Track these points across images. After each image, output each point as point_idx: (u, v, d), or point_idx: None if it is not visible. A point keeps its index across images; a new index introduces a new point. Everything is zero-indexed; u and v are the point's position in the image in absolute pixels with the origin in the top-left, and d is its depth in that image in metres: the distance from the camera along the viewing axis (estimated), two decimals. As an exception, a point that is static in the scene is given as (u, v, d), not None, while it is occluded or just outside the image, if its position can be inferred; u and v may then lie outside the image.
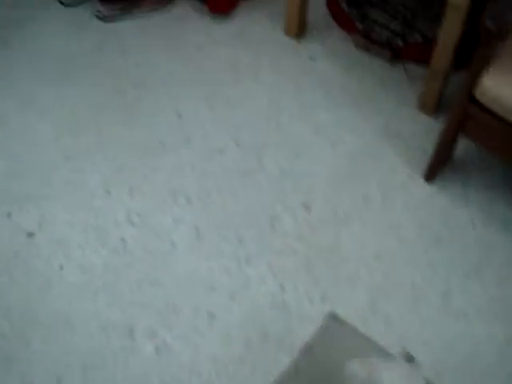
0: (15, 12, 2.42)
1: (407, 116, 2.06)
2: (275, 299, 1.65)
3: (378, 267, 1.72)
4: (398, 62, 2.21)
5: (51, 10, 2.42)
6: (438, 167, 1.90)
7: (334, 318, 1.44)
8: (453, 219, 1.81)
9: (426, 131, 2.01)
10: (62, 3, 2.42)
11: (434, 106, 2.04)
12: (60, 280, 1.71)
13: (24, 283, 1.69)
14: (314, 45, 2.26)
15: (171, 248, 1.75)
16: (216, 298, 1.66)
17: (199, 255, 1.74)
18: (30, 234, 1.80)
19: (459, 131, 1.73)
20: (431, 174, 1.91)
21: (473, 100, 1.61)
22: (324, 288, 1.68)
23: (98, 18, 2.35)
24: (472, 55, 1.57)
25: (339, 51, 2.25)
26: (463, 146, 1.93)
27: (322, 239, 1.77)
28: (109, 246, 1.76)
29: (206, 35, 2.31)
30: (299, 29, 2.24)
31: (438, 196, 1.86)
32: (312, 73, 2.17)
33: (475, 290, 1.68)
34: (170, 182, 1.88)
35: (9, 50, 2.29)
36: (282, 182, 1.88)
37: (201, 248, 1.75)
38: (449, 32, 1.79)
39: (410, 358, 1.15)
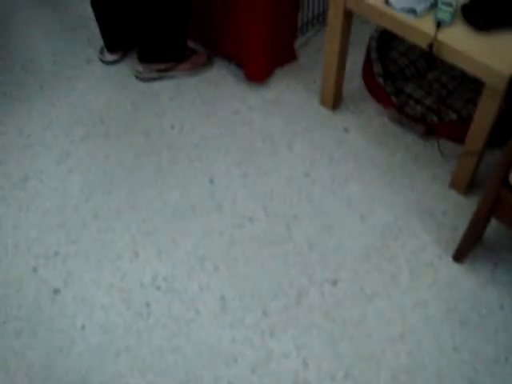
0: (57, 68, 2.53)
1: (439, 193, 2.08)
2: (298, 377, 1.66)
3: (402, 347, 1.73)
4: (432, 138, 2.23)
5: (92, 67, 2.53)
6: (468, 248, 1.91)
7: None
8: (481, 301, 1.82)
9: (457, 209, 2.03)
10: (102, 61, 2.51)
11: (466, 184, 2.07)
12: (82, 340, 1.74)
13: (46, 340, 1.73)
14: (348, 116, 2.31)
15: (195, 315, 1.78)
16: (237, 370, 1.67)
17: (223, 324, 1.76)
18: (56, 291, 1.84)
19: (491, 214, 1.76)
20: (460, 255, 1.93)
21: (506, 183, 1.64)
22: (347, 365, 1.69)
23: (137, 77, 2.43)
24: (508, 135, 1.61)
25: (373, 124, 2.29)
26: (494, 227, 1.94)
27: (348, 315, 1.78)
28: (133, 309, 1.79)
29: (242, 101, 2.37)
30: (334, 100, 2.30)
31: (467, 276, 1.88)
32: (345, 144, 2.22)
33: (504, 377, 1.67)
34: (199, 248, 1.92)
35: (49, 105, 2.39)
36: (310, 255, 1.91)
37: (225, 317, 1.77)
38: (485, 113, 1.83)
39: None
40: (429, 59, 1.80)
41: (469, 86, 2.28)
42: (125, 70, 2.52)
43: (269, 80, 2.45)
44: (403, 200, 2.06)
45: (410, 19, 1.82)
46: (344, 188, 2.09)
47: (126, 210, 2.02)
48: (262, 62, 2.36)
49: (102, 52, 2.52)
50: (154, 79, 2.44)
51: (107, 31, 2.43)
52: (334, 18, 2.03)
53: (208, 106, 2.36)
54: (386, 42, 2.43)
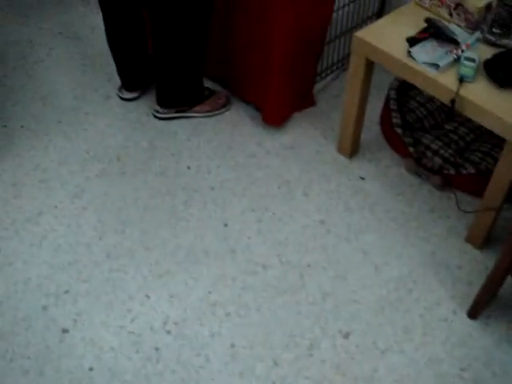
0: (75, 103, 2.59)
1: (455, 246, 2.09)
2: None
3: (414, 405, 1.72)
4: (449, 190, 2.24)
5: (110, 103, 2.58)
6: (483, 305, 1.91)
7: None
8: (495, 360, 1.81)
9: (473, 264, 2.04)
10: (121, 98, 2.54)
11: (482, 239, 2.08)
12: (89, 382, 1.74)
13: (53, 380, 1.74)
14: (365, 164, 2.33)
15: (205, 362, 1.78)
16: (246, 421, 1.67)
17: (233, 373, 1.76)
18: (65, 331, 1.84)
19: (508, 272, 1.76)
20: (475, 312, 1.92)
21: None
22: (357, 422, 1.68)
23: (155, 116, 2.46)
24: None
25: (390, 173, 2.31)
26: (510, 283, 1.94)
27: (359, 370, 1.78)
28: (142, 353, 1.79)
29: (259, 144, 2.40)
30: (352, 148, 2.32)
31: (481, 334, 1.87)
32: (361, 193, 2.23)
33: None
34: (211, 293, 1.93)
35: (66, 140, 2.43)
36: (323, 305, 1.91)
37: (235, 366, 1.77)
38: (506, 170, 1.84)
39: None
40: (450, 113, 1.82)
41: (486, 138, 2.30)
42: (143, 108, 2.56)
43: (286, 124, 2.48)
44: (419, 252, 2.06)
45: (432, 73, 1.84)
46: (359, 238, 2.10)
47: (139, 250, 2.03)
48: (280, 106, 2.39)
49: (120, 89, 2.55)
50: (173, 118, 2.46)
51: (124, 70, 2.50)
52: (356, 68, 2.05)
53: (225, 148, 2.38)
54: (405, 91, 2.46)
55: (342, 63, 2.73)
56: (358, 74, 2.06)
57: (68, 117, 2.53)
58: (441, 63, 1.84)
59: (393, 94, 2.38)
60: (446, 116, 2.47)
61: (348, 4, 2.47)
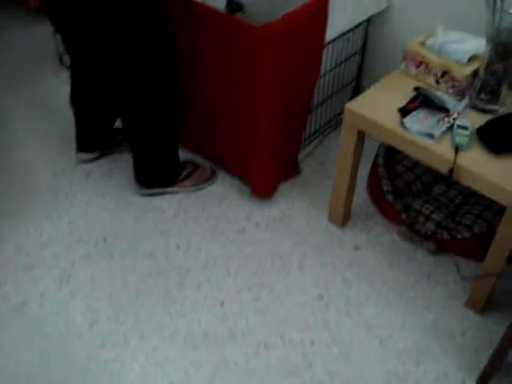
0: (55, 182, 2.57)
1: (456, 312, 2.08)
2: None
3: None
4: (444, 255, 2.24)
5: (91, 180, 2.58)
6: (492, 373, 1.89)
7: None
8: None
9: (476, 330, 2.05)
10: (81, 161, 2.58)
11: (483, 304, 2.07)
12: None
13: None
14: (357, 233, 2.33)
15: None
16: None
17: None
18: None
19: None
20: (484, 381, 1.90)
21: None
22: None
23: (141, 194, 2.43)
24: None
25: (383, 241, 2.31)
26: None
27: None
28: None
29: (248, 218, 2.38)
30: (343, 217, 2.32)
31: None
32: (357, 263, 2.22)
33: None
34: (213, 380, 1.87)
35: (48, 221, 2.40)
36: (330, 385, 1.87)
37: None
38: (506, 237, 1.85)
39: None
40: (448, 182, 1.83)
41: (475, 200, 2.32)
42: (125, 184, 2.54)
43: (274, 195, 2.46)
44: (421, 322, 2.05)
45: (427, 143, 1.86)
46: (360, 311, 2.08)
47: (135, 337, 1.97)
48: (268, 178, 2.39)
49: (78, 151, 2.60)
50: (156, 194, 2.43)
51: (85, 132, 2.52)
52: (347, 140, 2.07)
53: (213, 224, 2.35)
54: (391, 155, 2.48)
55: (324, 129, 2.74)
56: (349, 146, 2.07)
57: (48, 197, 2.49)
58: (435, 133, 1.86)
59: (380, 160, 2.40)
60: (434, 179, 2.49)
61: (329, 71, 2.49)
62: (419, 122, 1.92)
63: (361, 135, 2.05)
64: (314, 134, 2.69)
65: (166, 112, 2.25)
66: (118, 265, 2.20)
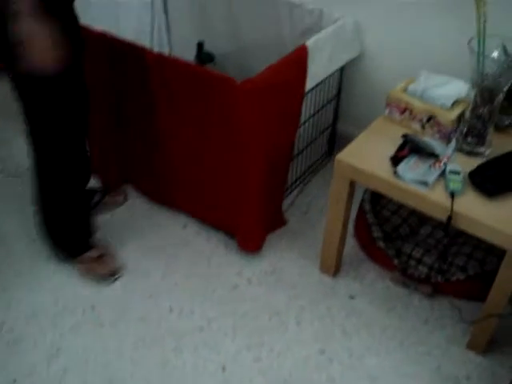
0: (34, 247, 2.50)
1: (458, 356, 2.09)
2: None
3: None
4: (439, 298, 2.26)
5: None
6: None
7: None
8: None
9: (480, 371, 2.06)
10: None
11: (485, 344, 2.08)
12: None
13: None
14: (351, 282, 2.33)
15: None
16: None
17: None
18: None
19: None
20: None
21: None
22: None
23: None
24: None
25: (377, 288, 2.32)
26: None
27: None
28: None
29: (239, 274, 2.36)
30: (336, 268, 2.32)
31: None
32: (354, 313, 2.22)
33: None
34: None
35: (30, 291, 2.33)
36: None
37: None
38: (508, 279, 1.87)
39: None
40: (447, 230, 1.85)
41: (465, 239, 2.34)
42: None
43: (262, 248, 2.44)
44: (424, 369, 2.06)
45: (421, 191, 1.87)
46: (363, 363, 2.07)
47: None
48: (255, 232, 2.38)
49: None
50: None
51: None
52: (339, 191, 2.08)
53: (204, 283, 2.33)
54: (377, 200, 2.50)
55: (304, 177, 2.76)
56: (341, 197, 2.08)
57: (28, 265, 2.42)
58: (429, 180, 1.88)
59: (368, 207, 2.41)
60: (419, 220, 2.51)
61: (308, 120, 2.51)
62: (411, 169, 1.93)
63: (352, 185, 2.06)
64: (295, 182, 2.69)
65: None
66: (109, 333, 2.15)
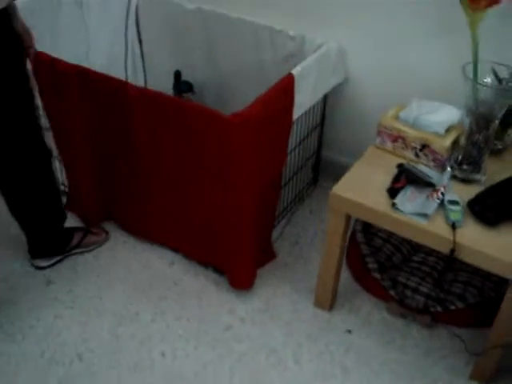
0: (12, 295, 2.42)
1: (463, 389, 2.06)
2: None
3: None
4: (438, 327, 2.24)
5: (53, 289, 2.46)
6: None
7: None
8: None
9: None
10: (35, 267, 2.48)
11: (489, 375, 2.06)
12: None
13: None
14: (347, 315, 2.31)
15: None
16: None
17: None
18: None
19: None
20: None
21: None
22: None
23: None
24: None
25: (374, 320, 2.30)
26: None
27: None
28: None
29: (231, 313, 2.31)
30: (331, 302, 2.28)
31: None
32: (353, 348, 2.18)
33: None
34: None
35: (13, 343, 2.26)
36: None
37: None
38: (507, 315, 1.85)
39: None
40: (450, 262, 1.83)
41: (460, 266, 2.33)
42: (93, 292, 2.46)
43: (254, 284, 2.40)
44: (431, 404, 2.02)
45: (421, 223, 1.85)
46: (367, 406, 2.03)
47: None
48: (247, 269, 2.35)
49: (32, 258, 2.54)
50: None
51: (29, 233, 2.48)
52: (334, 226, 2.05)
53: (196, 324, 2.28)
54: (367, 229, 2.47)
55: (291, 207, 2.72)
56: (337, 231, 2.05)
57: (7, 313, 2.33)
58: (429, 212, 1.86)
59: (360, 237, 2.39)
60: (412, 247, 2.49)
61: (294, 149, 2.48)
62: (409, 201, 1.91)
63: (348, 219, 2.03)
64: (283, 212, 2.65)
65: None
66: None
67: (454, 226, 1.84)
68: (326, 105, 2.68)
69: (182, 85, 2.93)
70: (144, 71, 3.19)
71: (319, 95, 2.45)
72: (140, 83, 3.18)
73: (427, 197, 1.94)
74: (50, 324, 2.30)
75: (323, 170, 2.92)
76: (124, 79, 3.08)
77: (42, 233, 2.45)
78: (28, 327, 2.29)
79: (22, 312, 2.34)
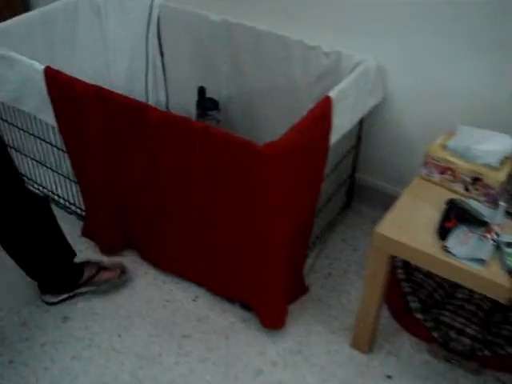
0: (26, 332, 2.30)
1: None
2: None
3: None
4: (487, 372, 2.09)
5: (70, 325, 2.33)
6: None
7: None
8: None
9: None
10: (46, 303, 2.37)
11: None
12: None
13: None
14: (386, 358, 2.16)
15: None
16: None
17: None
18: None
19: None
20: None
21: None
22: None
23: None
24: None
25: (416, 363, 2.15)
26: None
27: None
28: None
29: (261, 354, 2.17)
30: (370, 344, 2.13)
31: None
32: (393, 397, 2.02)
33: None
34: None
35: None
36: None
37: None
38: None
39: None
40: (509, 312, 1.67)
41: (506, 305, 2.16)
42: (110, 329, 2.32)
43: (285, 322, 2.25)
44: None
45: (476, 269, 1.69)
46: None
47: None
48: (279, 307, 2.20)
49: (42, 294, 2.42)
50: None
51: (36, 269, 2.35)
52: (377, 266, 1.91)
53: (223, 367, 2.13)
54: (406, 263, 2.32)
55: (323, 235, 2.57)
56: (379, 272, 1.91)
57: (20, 352, 2.21)
58: (485, 257, 1.70)
59: (401, 274, 2.24)
60: (454, 283, 2.33)
61: (328, 175, 2.33)
62: (461, 243, 1.76)
63: (391, 259, 1.87)
64: (314, 241, 2.50)
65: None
66: None
67: (510, 273, 1.68)
68: (362, 126, 2.52)
69: (206, 102, 2.78)
70: (165, 85, 3.05)
71: (357, 117, 2.29)
72: (161, 98, 3.04)
73: (480, 238, 1.78)
74: (66, 365, 2.16)
75: (356, 193, 2.77)
76: (144, 95, 2.95)
77: (48, 273, 2.33)
78: (43, 369, 2.14)
79: (36, 351, 2.20)
